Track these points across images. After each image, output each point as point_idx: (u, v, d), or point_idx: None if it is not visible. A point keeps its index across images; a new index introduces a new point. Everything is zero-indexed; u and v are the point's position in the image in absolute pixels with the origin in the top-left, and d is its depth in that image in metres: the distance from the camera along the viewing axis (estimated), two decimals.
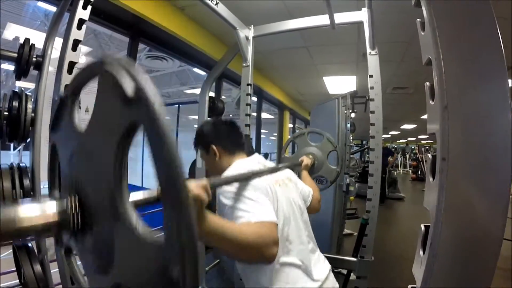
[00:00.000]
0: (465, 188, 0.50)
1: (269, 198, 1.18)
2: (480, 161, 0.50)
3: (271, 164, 1.50)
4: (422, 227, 0.56)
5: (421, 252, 0.55)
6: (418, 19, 0.58)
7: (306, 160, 2.05)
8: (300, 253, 1.30)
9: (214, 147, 1.43)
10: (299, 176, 1.86)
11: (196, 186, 0.81)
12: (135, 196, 0.66)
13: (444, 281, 0.51)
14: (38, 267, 1.25)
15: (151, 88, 0.37)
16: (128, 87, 0.38)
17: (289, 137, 2.44)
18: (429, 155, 0.55)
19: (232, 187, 1.15)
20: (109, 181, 0.44)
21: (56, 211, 0.48)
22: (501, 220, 0.48)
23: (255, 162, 1.43)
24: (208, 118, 1.61)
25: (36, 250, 1.33)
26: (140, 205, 0.67)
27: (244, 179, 1.17)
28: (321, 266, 1.38)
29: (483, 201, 0.50)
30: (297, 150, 2.35)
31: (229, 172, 1.29)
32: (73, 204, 0.49)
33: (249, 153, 1.58)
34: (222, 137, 1.46)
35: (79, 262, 0.61)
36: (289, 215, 1.30)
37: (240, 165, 1.37)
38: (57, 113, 0.61)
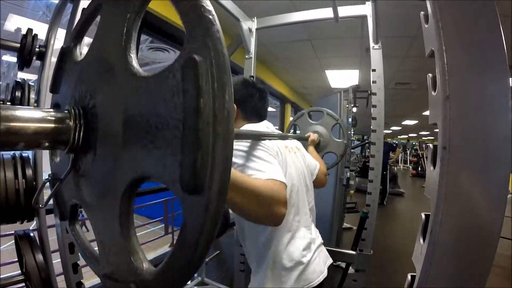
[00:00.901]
0: (465, 176, 0.52)
1: (278, 161, 1.14)
2: (481, 150, 0.51)
3: (279, 132, 1.46)
4: (423, 215, 0.58)
5: (421, 240, 0.56)
6: (421, 12, 0.59)
7: (313, 136, 2.05)
8: (302, 222, 1.31)
9: (235, 107, 1.35)
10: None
11: None
12: None
13: (444, 268, 0.52)
14: (40, 257, 1.26)
15: None
16: None
17: (290, 120, 2.42)
18: (430, 145, 0.56)
19: (242, 146, 1.10)
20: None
21: (55, 118, 0.44)
22: (500, 209, 0.49)
23: (264, 127, 1.36)
24: (240, 75, 1.54)
25: (38, 240, 1.34)
26: None
27: (255, 138, 1.12)
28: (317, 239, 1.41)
29: (483, 190, 0.52)
30: (300, 132, 2.33)
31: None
32: (77, 113, 0.45)
33: None
34: (248, 103, 1.38)
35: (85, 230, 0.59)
36: (296, 182, 1.29)
37: (249, 128, 1.30)
38: (59, 66, 0.60)
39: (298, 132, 2.39)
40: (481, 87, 0.52)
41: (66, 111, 0.45)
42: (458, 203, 0.51)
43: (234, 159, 1.06)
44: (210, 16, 0.33)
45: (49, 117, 0.43)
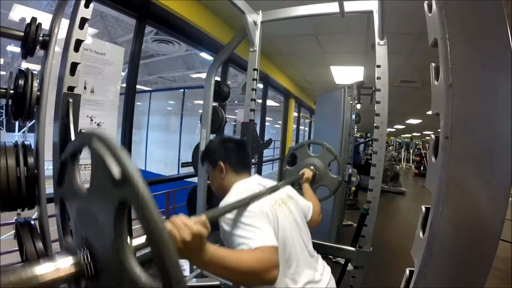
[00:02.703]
0: (467, 168, 0.50)
1: (269, 221, 1.21)
2: (483, 141, 0.50)
3: (270, 183, 1.52)
4: (423, 208, 0.57)
5: (421, 234, 0.55)
6: (425, 1, 0.58)
7: (307, 173, 2.09)
8: (303, 273, 1.33)
9: (221, 163, 1.48)
10: (301, 188, 1.95)
11: (195, 223, 0.85)
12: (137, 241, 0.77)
13: (443, 262, 0.51)
14: (40, 245, 1.26)
15: (135, 172, 0.46)
16: (116, 171, 0.47)
17: (289, 148, 2.46)
18: (432, 136, 0.55)
19: (232, 214, 1.18)
20: (111, 240, 0.51)
21: (73, 263, 0.57)
22: (503, 202, 0.48)
23: (255, 183, 1.45)
24: (217, 136, 1.68)
25: (38, 228, 1.34)
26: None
27: (243, 205, 1.19)
28: (323, 278, 1.42)
29: (485, 182, 0.51)
30: (298, 161, 2.37)
31: (229, 197, 1.32)
32: (85, 257, 0.58)
33: (253, 148, 1.57)
34: (231, 155, 1.50)
35: None
36: (291, 234, 1.33)
37: (240, 188, 1.40)
38: (60, 173, 0.72)
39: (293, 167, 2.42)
40: (485, 75, 0.50)
41: (78, 255, 0.58)
42: (460, 195, 0.50)
43: (225, 227, 1.18)
44: None
45: (67, 267, 0.57)
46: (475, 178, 0.51)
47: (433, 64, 0.56)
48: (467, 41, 0.51)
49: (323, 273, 1.43)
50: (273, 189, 1.42)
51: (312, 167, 2.22)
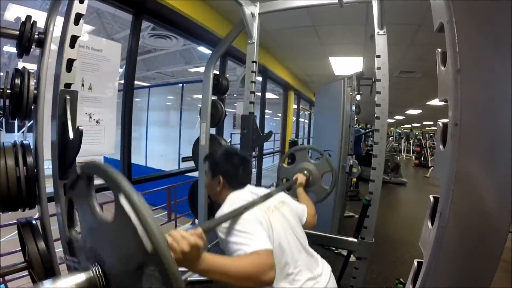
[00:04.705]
0: (477, 155, 0.49)
1: (262, 228, 1.26)
2: (495, 127, 0.49)
3: (263, 191, 1.55)
4: (431, 198, 0.55)
5: (430, 224, 0.54)
6: None
7: (301, 178, 2.12)
8: (302, 273, 1.37)
9: (221, 178, 1.53)
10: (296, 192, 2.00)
11: (191, 235, 0.91)
12: None
13: (453, 253, 0.50)
14: (42, 244, 1.26)
15: (166, 248, 0.55)
16: (148, 245, 0.53)
17: (290, 149, 2.45)
18: (440, 123, 0.54)
19: (227, 223, 1.24)
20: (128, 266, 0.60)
21: (85, 279, 0.65)
22: None
23: (248, 193, 1.49)
24: (227, 144, 1.70)
25: (40, 228, 1.34)
26: None
27: (237, 215, 1.25)
28: (323, 276, 1.46)
29: (495, 169, 0.49)
30: (296, 163, 2.38)
31: (224, 208, 1.37)
32: (97, 272, 0.66)
33: (254, 140, 1.54)
34: (231, 173, 1.53)
35: None
36: (286, 238, 1.38)
37: (233, 198, 1.43)
38: (74, 182, 0.77)
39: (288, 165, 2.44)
40: (495, 59, 0.49)
41: (90, 272, 0.67)
42: (470, 184, 0.49)
43: (221, 235, 1.25)
44: None
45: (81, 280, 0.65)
46: (485, 167, 0.49)
47: (439, 49, 0.54)
48: (475, 25, 0.50)
49: (322, 272, 1.47)
50: (266, 197, 1.46)
51: (306, 172, 2.25)
